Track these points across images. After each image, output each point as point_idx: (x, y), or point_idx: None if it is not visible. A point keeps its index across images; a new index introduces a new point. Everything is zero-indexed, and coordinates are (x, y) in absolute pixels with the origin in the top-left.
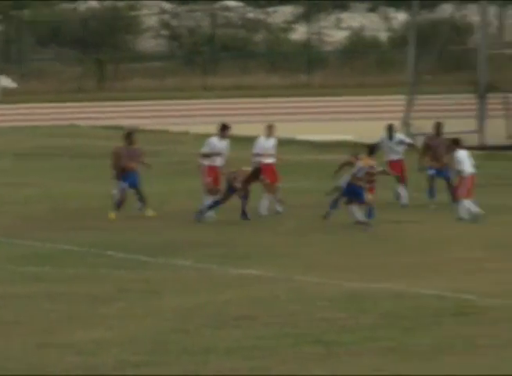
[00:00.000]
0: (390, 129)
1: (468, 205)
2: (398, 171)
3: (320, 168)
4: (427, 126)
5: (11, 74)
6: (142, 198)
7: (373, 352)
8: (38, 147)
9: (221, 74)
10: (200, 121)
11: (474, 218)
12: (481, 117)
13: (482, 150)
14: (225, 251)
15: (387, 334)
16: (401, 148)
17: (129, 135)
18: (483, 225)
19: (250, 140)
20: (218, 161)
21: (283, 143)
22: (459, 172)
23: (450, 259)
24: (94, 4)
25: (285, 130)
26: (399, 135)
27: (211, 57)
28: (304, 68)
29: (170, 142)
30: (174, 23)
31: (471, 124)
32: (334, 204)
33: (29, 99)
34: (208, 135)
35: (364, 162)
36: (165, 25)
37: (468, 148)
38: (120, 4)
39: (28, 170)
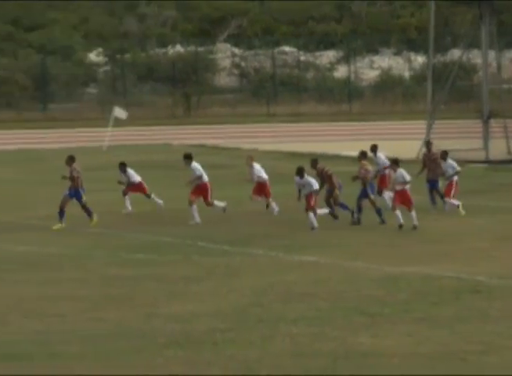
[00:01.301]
0: (427, 144)
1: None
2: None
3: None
4: (443, 145)
5: (117, 104)
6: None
7: (407, 321)
8: (140, 161)
9: (280, 104)
10: (265, 141)
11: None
12: (486, 137)
13: (487, 164)
14: (288, 242)
15: (418, 307)
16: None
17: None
18: (490, 223)
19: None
20: None
21: (330, 158)
22: (403, 184)
23: (465, 248)
24: (180, 49)
25: (331, 148)
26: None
27: (273, 91)
28: (345, 99)
29: (241, 158)
30: (243, 64)
31: (478, 143)
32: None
33: (132, 123)
34: (273, 153)
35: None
36: (236, 65)
37: (476, 162)
38: (201, 49)
39: None
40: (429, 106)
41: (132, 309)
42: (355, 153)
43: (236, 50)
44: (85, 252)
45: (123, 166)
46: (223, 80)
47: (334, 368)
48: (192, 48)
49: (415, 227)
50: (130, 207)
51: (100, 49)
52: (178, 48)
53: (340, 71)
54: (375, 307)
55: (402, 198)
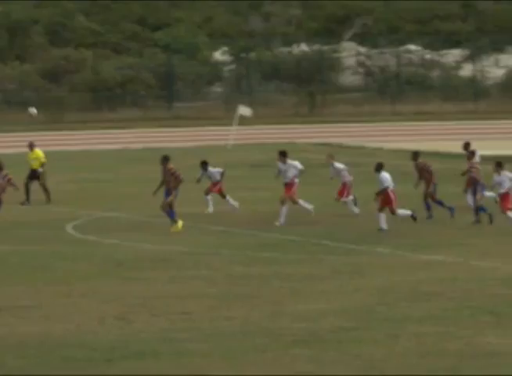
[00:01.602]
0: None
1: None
2: None
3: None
4: None
5: (242, 102)
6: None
7: None
8: (267, 160)
9: (405, 102)
10: (390, 139)
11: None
12: None
13: None
14: (415, 241)
15: None
16: None
17: None
18: None
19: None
20: None
21: (457, 156)
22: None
23: None
24: (305, 48)
25: (456, 147)
26: None
27: (398, 89)
28: (470, 98)
29: (366, 156)
30: (368, 62)
31: None
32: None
33: (256, 122)
34: (401, 151)
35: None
36: (361, 64)
37: None
38: (326, 48)
39: (260, 177)
40: None
41: (258, 308)
42: (483, 152)
43: (361, 49)
44: (211, 250)
45: (205, 164)
46: (348, 79)
47: (460, 368)
48: (317, 46)
49: None
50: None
51: (225, 48)
52: (303, 46)
53: (466, 70)
54: (502, 306)
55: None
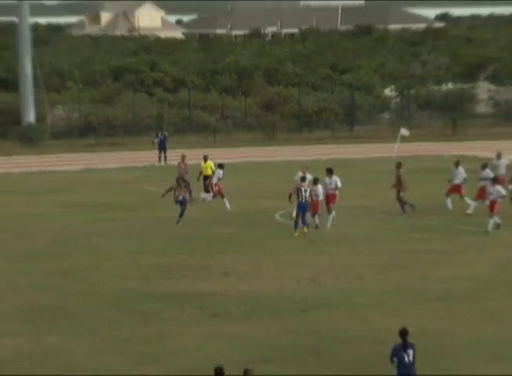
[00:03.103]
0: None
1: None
2: None
3: None
4: None
5: (403, 126)
6: None
7: None
8: (424, 167)
9: None
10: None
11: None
12: None
13: None
14: None
15: None
16: None
17: None
18: None
19: None
20: None
21: None
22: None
23: None
24: (450, 86)
25: None
26: None
27: None
28: None
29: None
30: (496, 96)
31: None
32: None
33: (413, 140)
34: None
35: None
36: (491, 98)
37: None
38: (466, 86)
39: (416, 180)
40: None
41: (411, 273)
42: None
43: (492, 87)
44: (376, 232)
45: (329, 171)
46: (481, 108)
47: None
48: (459, 85)
49: None
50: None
51: (392, 86)
52: (450, 85)
53: None
54: None
55: None
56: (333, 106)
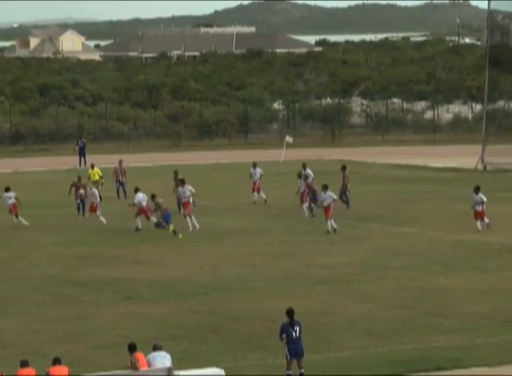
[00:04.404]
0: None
1: None
2: None
3: None
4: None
5: (289, 134)
6: None
7: (466, 270)
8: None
9: (390, 134)
10: (382, 156)
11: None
12: None
13: None
14: (394, 219)
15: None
16: None
17: None
18: None
19: None
20: None
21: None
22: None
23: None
24: (329, 100)
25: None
26: None
27: (386, 126)
28: (431, 132)
29: (365, 167)
30: (368, 109)
31: None
32: None
33: (297, 146)
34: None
35: None
36: (363, 110)
37: None
38: (342, 100)
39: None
40: (483, 136)
41: (297, 261)
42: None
43: (364, 101)
44: (267, 225)
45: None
46: (355, 119)
47: (421, 298)
48: (336, 100)
49: None
50: None
51: (280, 101)
52: (328, 100)
53: (428, 114)
54: (446, 260)
55: None
56: (230, 118)
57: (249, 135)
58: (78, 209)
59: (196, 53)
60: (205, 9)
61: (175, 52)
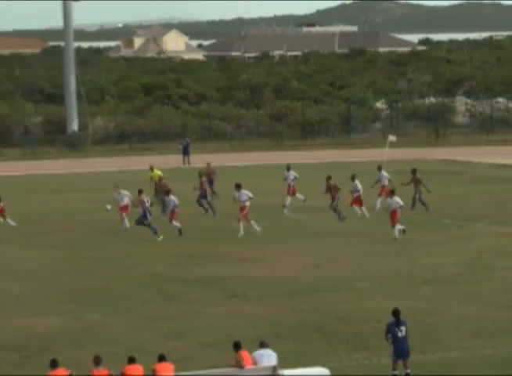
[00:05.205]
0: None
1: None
2: None
3: None
4: None
5: (391, 133)
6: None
7: None
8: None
9: (496, 134)
10: (487, 156)
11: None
12: None
13: None
14: (499, 220)
15: None
16: None
17: None
18: None
19: None
20: None
21: None
22: None
23: None
24: (433, 99)
25: None
26: None
27: (491, 125)
28: None
29: (470, 167)
30: (472, 109)
31: None
32: None
33: (400, 145)
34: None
35: None
36: (468, 110)
37: None
38: (446, 99)
39: None
40: None
41: (401, 261)
42: None
43: (468, 100)
44: (371, 224)
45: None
46: (459, 119)
47: None
48: (440, 99)
49: None
50: None
51: (383, 100)
52: (432, 99)
53: None
54: None
55: None
56: (332, 117)
57: (352, 134)
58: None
59: (298, 53)
60: (307, 8)
61: (277, 52)
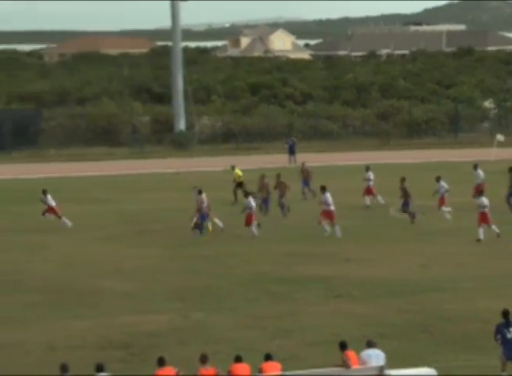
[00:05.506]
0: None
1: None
2: None
3: None
4: None
5: (500, 132)
6: None
7: None
8: None
9: None
10: None
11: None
12: None
13: None
14: None
15: None
16: None
17: None
18: None
19: None
20: None
21: None
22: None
23: None
24: None
25: None
26: None
27: None
28: None
29: None
30: None
31: None
32: None
33: (508, 145)
34: None
35: None
36: None
37: None
38: None
39: None
40: None
41: (509, 260)
42: None
43: None
44: (471, 225)
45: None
46: None
47: None
48: None
49: None
50: None
51: (491, 99)
52: None
53: None
54: None
55: None
56: (440, 117)
57: (459, 133)
58: (261, 208)
59: (406, 52)
60: (414, 7)
61: (384, 51)
